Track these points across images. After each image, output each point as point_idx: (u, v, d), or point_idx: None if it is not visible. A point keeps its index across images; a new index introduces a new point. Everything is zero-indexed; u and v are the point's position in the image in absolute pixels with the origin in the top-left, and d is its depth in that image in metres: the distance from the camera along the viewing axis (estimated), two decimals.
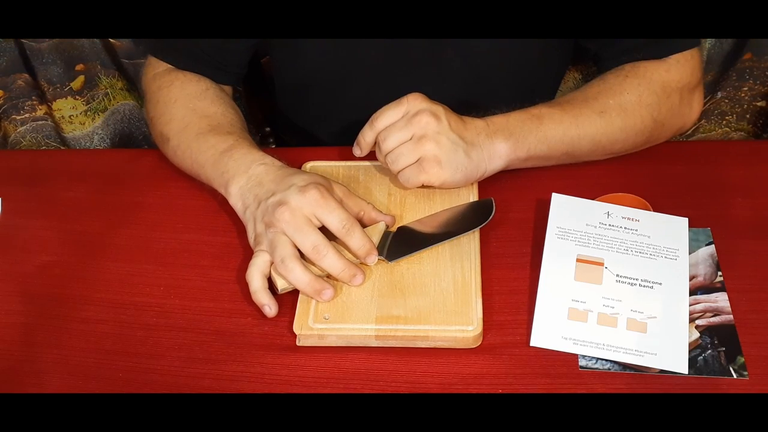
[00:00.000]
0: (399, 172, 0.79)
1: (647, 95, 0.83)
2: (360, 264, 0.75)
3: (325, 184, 0.75)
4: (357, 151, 0.83)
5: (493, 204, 0.79)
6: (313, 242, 0.72)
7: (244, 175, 0.78)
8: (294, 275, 0.71)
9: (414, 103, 0.79)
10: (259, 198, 0.76)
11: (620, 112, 0.82)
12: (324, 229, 0.73)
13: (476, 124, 0.80)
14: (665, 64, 0.85)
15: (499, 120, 0.81)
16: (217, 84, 0.92)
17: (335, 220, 0.73)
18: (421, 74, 0.91)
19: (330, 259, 0.72)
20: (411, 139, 0.78)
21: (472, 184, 0.82)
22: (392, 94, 0.83)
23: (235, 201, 0.78)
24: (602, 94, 0.84)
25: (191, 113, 0.86)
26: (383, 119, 0.80)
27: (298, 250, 0.72)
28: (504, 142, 0.80)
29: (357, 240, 0.73)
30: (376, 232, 0.76)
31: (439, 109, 0.78)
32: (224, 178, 0.79)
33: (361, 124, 0.83)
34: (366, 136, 0.81)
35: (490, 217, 0.78)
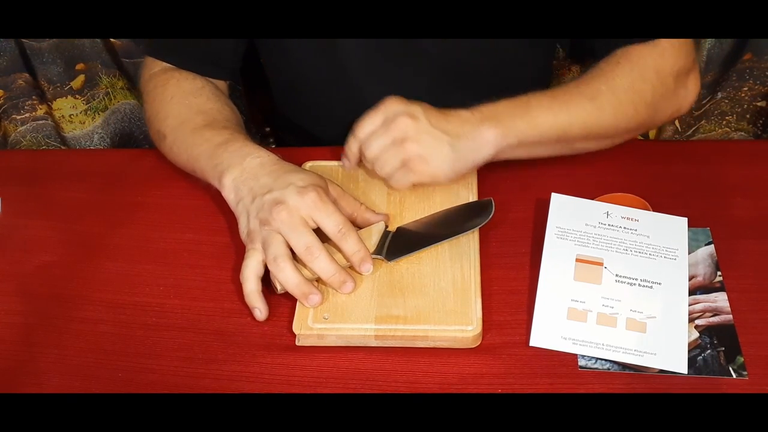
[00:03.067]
0: (388, 177, 0.80)
1: (639, 81, 0.83)
2: (353, 271, 0.75)
3: (323, 186, 0.75)
4: (346, 164, 0.84)
5: (493, 204, 0.79)
6: (306, 243, 0.72)
7: (239, 167, 0.77)
8: (284, 275, 0.71)
9: (391, 107, 0.79)
10: (254, 192, 0.75)
11: (611, 98, 0.82)
12: (319, 233, 0.73)
13: (461, 115, 0.80)
14: (658, 48, 0.83)
15: (486, 108, 0.81)
16: (213, 82, 0.92)
17: (332, 224, 0.73)
18: (411, 70, 0.92)
19: (322, 262, 0.72)
20: (393, 143, 0.78)
21: (465, 177, 0.82)
22: (384, 91, 0.83)
23: (228, 192, 0.78)
24: (594, 80, 0.83)
25: (187, 109, 0.86)
26: (364, 128, 0.80)
27: (292, 252, 0.72)
28: (492, 128, 0.79)
29: (352, 245, 0.73)
30: (376, 232, 0.76)
31: (417, 109, 0.79)
32: (218, 170, 0.79)
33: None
34: (351, 147, 0.82)
35: (489, 217, 0.78)
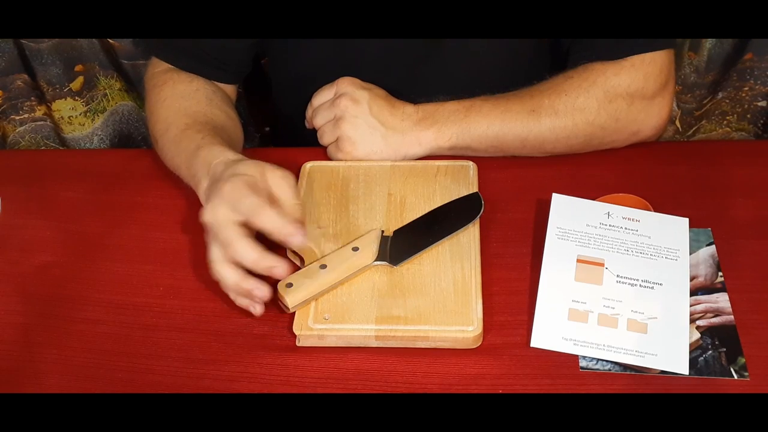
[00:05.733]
0: (326, 147, 0.88)
1: (584, 98, 0.83)
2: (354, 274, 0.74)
3: (254, 176, 0.71)
4: (308, 125, 0.90)
5: (480, 196, 0.80)
6: (224, 238, 0.68)
7: (207, 176, 0.76)
8: (223, 279, 0.69)
9: (342, 86, 0.86)
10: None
11: (551, 113, 0.83)
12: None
13: (405, 110, 0.85)
14: (616, 66, 0.83)
15: (429, 107, 0.85)
16: (215, 85, 0.92)
17: (245, 205, 0.68)
18: (418, 71, 0.92)
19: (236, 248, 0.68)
20: (334, 119, 0.85)
21: (466, 177, 0.84)
22: (392, 92, 0.83)
23: (203, 203, 0.75)
24: (542, 93, 0.84)
25: (174, 113, 0.86)
26: (317, 98, 0.88)
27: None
28: (426, 129, 0.84)
29: (271, 220, 0.68)
30: (374, 239, 0.76)
31: (363, 94, 0.84)
32: (195, 182, 0.78)
33: None
34: (308, 113, 0.90)
35: (482, 209, 0.78)
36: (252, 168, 0.72)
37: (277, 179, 0.72)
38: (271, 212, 0.68)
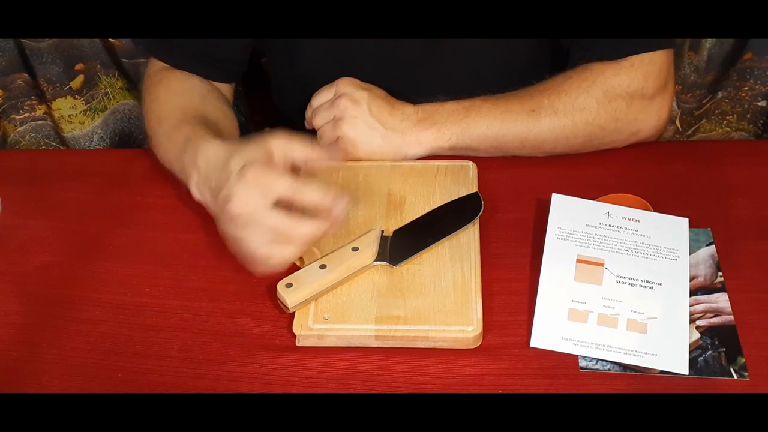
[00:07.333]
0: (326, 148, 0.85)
1: (583, 98, 0.83)
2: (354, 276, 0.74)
3: (260, 155, 0.70)
4: (308, 126, 0.90)
5: (480, 196, 0.80)
6: (275, 223, 0.67)
7: (195, 169, 0.74)
8: (277, 259, 0.68)
9: (341, 86, 0.86)
10: (212, 194, 0.73)
11: (551, 113, 0.83)
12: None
13: (404, 110, 0.85)
14: (615, 66, 0.83)
15: (429, 107, 0.85)
16: (211, 84, 0.92)
17: (283, 187, 0.67)
18: (417, 72, 0.92)
19: (304, 225, 0.68)
20: (333, 120, 0.85)
21: (465, 177, 0.84)
22: (392, 93, 0.83)
23: (197, 197, 0.75)
24: (542, 93, 0.84)
25: (167, 109, 0.87)
26: (317, 99, 0.88)
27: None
28: (426, 130, 0.84)
29: (315, 192, 0.68)
30: (374, 240, 0.76)
31: (363, 95, 0.84)
32: (185, 175, 0.77)
33: None
34: (307, 113, 0.89)
35: (482, 209, 0.79)
36: (256, 151, 0.70)
37: (283, 146, 0.70)
38: (310, 186, 0.67)
